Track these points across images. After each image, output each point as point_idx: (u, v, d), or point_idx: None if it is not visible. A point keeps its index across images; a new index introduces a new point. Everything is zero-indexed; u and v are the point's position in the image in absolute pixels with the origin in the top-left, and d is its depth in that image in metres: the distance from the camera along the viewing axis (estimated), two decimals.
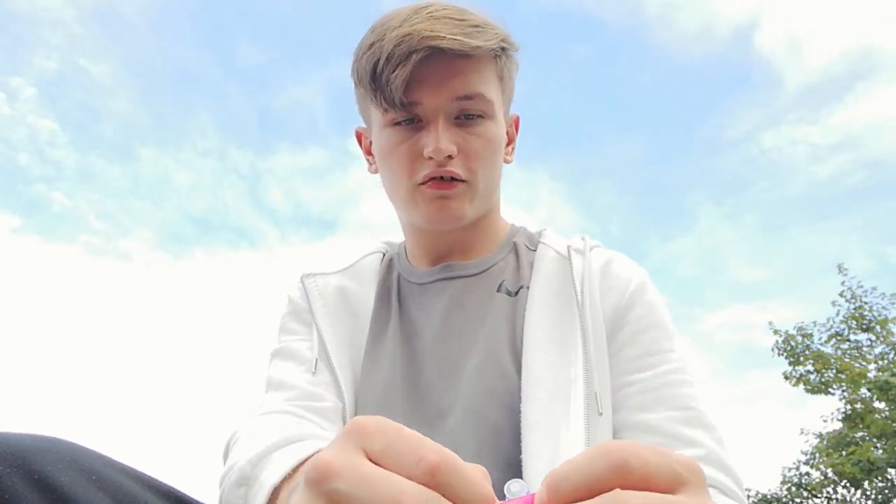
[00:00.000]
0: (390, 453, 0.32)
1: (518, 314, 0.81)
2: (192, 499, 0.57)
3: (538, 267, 0.86)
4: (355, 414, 0.81)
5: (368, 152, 0.94)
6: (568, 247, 0.88)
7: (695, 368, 0.79)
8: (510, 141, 0.96)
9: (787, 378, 11.10)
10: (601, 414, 0.73)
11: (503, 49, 0.83)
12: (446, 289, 0.87)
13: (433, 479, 0.31)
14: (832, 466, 10.42)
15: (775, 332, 11.35)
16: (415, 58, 0.75)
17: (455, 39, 0.76)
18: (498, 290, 0.85)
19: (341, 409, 0.82)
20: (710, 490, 0.66)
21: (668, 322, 0.82)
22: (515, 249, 0.92)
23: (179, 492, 0.56)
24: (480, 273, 0.88)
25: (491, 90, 0.82)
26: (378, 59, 0.76)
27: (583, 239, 0.89)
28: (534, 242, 0.92)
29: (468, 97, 0.80)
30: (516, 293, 0.85)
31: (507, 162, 0.93)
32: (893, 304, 10.77)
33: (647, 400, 0.74)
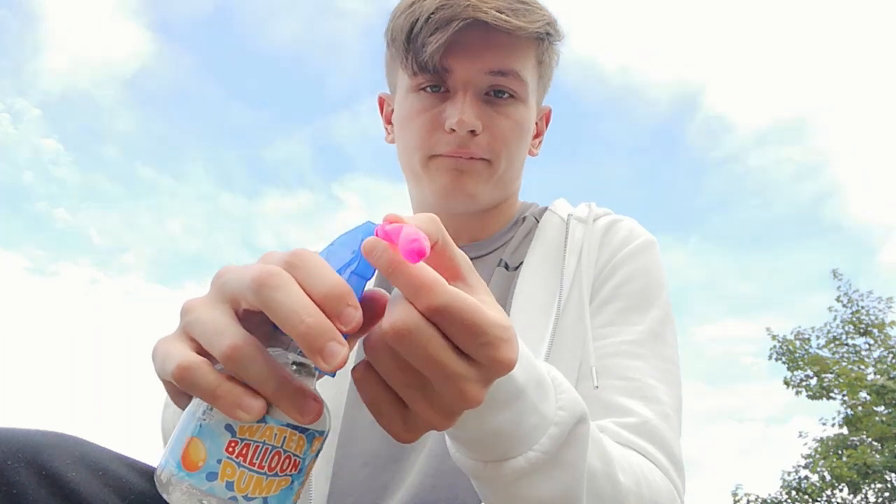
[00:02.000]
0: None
1: (512, 287, 0.79)
2: None
3: (539, 236, 0.83)
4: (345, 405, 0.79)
5: (388, 121, 0.91)
6: (569, 215, 0.84)
7: (664, 345, 0.74)
8: (538, 133, 0.92)
9: (787, 384, 11.08)
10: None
11: (547, 34, 0.79)
12: None
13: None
14: (830, 469, 10.38)
15: (773, 337, 11.34)
16: (455, 25, 0.72)
17: (500, 14, 0.72)
18: (498, 266, 0.82)
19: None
20: (639, 456, 0.63)
21: (650, 293, 0.77)
22: (523, 223, 0.88)
23: None
24: (487, 254, 0.85)
25: (527, 72, 0.79)
26: (417, 20, 0.74)
27: (588, 207, 0.86)
28: (542, 214, 0.89)
29: (502, 73, 0.76)
30: (516, 268, 0.82)
31: (532, 154, 0.89)
32: (890, 307, 10.79)
33: (591, 373, 0.70)
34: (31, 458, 0.45)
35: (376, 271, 0.36)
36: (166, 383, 0.39)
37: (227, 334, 0.34)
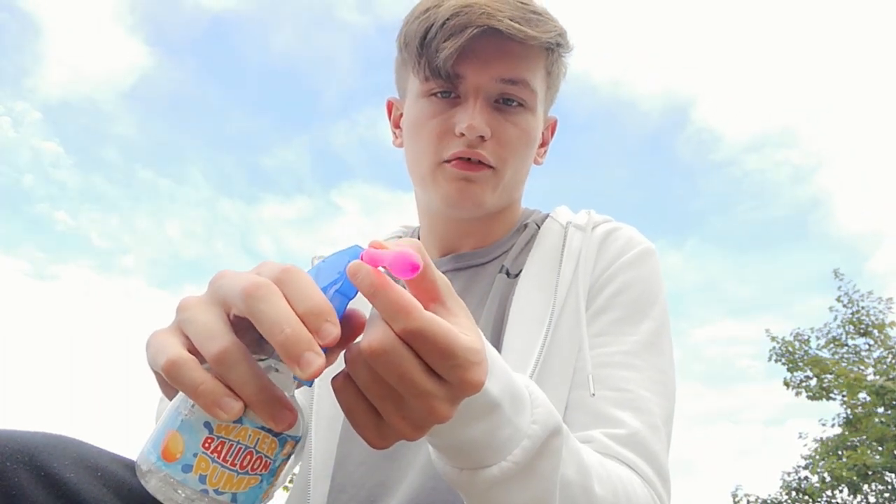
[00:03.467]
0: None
1: (511, 295, 0.80)
2: None
3: (539, 243, 0.84)
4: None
5: (396, 125, 0.92)
6: (567, 223, 0.85)
7: (658, 356, 0.74)
8: (544, 143, 0.93)
9: (787, 385, 11.07)
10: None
11: (558, 45, 0.81)
12: (455, 280, 0.83)
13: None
14: (829, 471, 10.38)
15: (772, 338, 11.34)
16: (469, 32, 0.73)
17: (513, 23, 0.74)
18: (499, 272, 0.84)
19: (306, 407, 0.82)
20: (622, 467, 0.64)
21: (646, 303, 0.77)
22: (524, 230, 0.89)
23: None
24: (489, 261, 0.87)
25: (536, 81, 0.80)
26: (431, 26, 0.75)
27: (588, 214, 0.87)
28: (543, 221, 0.89)
29: (513, 81, 0.78)
30: (517, 275, 0.82)
31: (537, 163, 0.91)
32: (890, 308, 10.77)
33: (587, 380, 0.71)
34: (29, 460, 0.45)
35: (358, 291, 0.39)
36: (156, 374, 0.41)
37: (218, 338, 0.36)
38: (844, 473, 10.02)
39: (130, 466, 0.52)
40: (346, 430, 0.78)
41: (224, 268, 0.40)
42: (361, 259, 0.39)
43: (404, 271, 0.37)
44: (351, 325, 0.40)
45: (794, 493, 11.02)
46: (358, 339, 0.39)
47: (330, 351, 0.38)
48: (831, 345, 11.14)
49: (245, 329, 0.38)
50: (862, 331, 10.88)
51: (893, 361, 10.47)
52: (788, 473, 11.25)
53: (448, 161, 0.79)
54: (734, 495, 11.34)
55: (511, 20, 0.74)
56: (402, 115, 0.89)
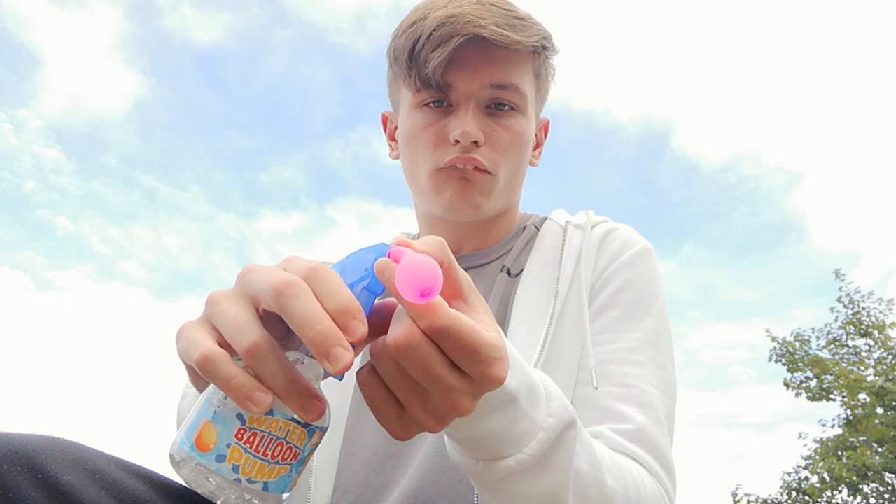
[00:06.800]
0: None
1: (513, 294, 0.81)
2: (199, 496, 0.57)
3: (539, 244, 0.86)
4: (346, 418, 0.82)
5: (392, 137, 0.94)
6: (567, 222, 0.87)
7: (659, 352, 0.75)
8: (538, 144, 0.95)
9: (787, 385, 11.05)
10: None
11: (543, 48, 0.82)
12: None
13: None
14: (829, 471, 10.37)
15: (773, 338, 11.32)
16: (455, 41, 0.74)
17: (498, 29, 0.75)
18: (500, 272, 0.85)
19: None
20: (631, 462, 0.65)
21: (646, 300, 0.78)
22: (524, 232, 0.90)
23: (185, 487, 0.54)
24: (490, 262, 0.88)
25: (525, 84, 0.82)
26: (419, 38, 0.76)
27: (587, 214, 0.88)
28: (542, 223, 0.91)
29: (502, 86, 0.79)
30: (517, 275, 0.84)
31: (532, 165, 0.92)
32: (891, 309, 10.75)
33: (590, 375, 0.72)
34: (26, 462, 0.44)
35: (385, 289, 0.40)
36: (187, 366, 0.42)
37: (249, 332, 0.38)
38: (844, 474, 10.00)
39: (129, 469, 0.51)
40: (350, 431, 0.79)
41: (222, 280, 0.41)
42: (388, 257, 0.40)
43: (414, 295, 0.36)
44: (381, 319, 0.41)
45: (793, 494, 11.01)
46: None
47: (355, 346, 0.39)
48: (832, 345, 11.11)
49: (272, 323, 0.39)
50: (862, 332, 10.86)
51: (893, 362, 10.44)
52: (788, 474, 11.24)
53: (444, 168, 0.81)
54: (734, 495, 11.34)
55: (496, 27, 0.75)
56: (396, 127, 0.90)
